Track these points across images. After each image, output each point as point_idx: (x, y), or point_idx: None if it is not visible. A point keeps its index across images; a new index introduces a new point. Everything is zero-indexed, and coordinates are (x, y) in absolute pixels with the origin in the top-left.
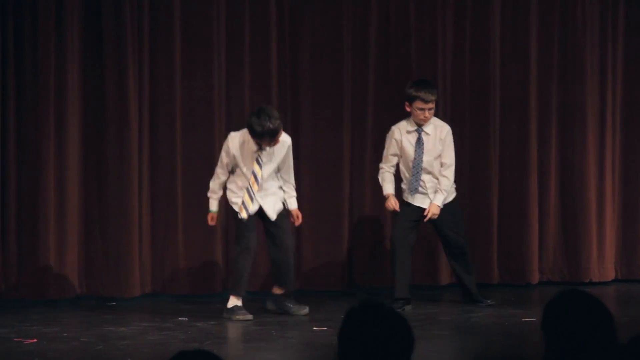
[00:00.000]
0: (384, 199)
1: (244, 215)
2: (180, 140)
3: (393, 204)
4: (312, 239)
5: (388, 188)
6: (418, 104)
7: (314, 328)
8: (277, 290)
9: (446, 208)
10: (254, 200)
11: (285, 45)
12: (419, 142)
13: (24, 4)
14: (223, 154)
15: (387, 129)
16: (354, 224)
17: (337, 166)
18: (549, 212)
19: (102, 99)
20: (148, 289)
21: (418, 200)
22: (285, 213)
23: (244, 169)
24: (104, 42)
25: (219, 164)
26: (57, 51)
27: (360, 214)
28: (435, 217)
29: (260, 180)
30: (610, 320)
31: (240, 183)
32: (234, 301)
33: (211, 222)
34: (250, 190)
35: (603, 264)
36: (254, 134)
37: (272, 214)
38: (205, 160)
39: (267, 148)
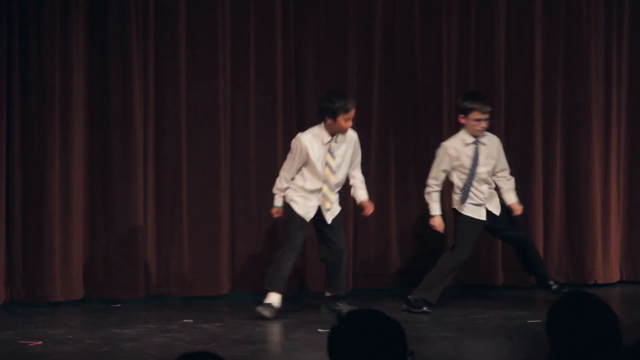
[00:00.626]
0: (386, 200)
1: (327, 205)
2: (185, 142)
3: (438, 225)
4: (317, 240)
5: (436, 209)
6: (475, 115)
7: (319, 329)
8: (328, 293)
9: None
10: (334, 192)
11: (290, 47)
12: (476, 153)
13: (29, 6)
14: (295, 152)
15: (391, 129)
16: (357, 225)
17: None
18: (554, 213)
19: (107, 101)
20: (153, 291)
21: (475, 212)
22: (340, 217)
23: (317, 165)
24: (109, 44)
25: (288, 164)
26: (62, 53)
27: (363, 216)
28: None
29: (335, 171)
30: (615, 322)
31: (307, 182)
32: (271, 298)
33: (276, 215)
34: (329, 182)
35: (608, 265)
36: (330, 109)
37: (330, 217)
38: (210, 162)
39: (338, 139)
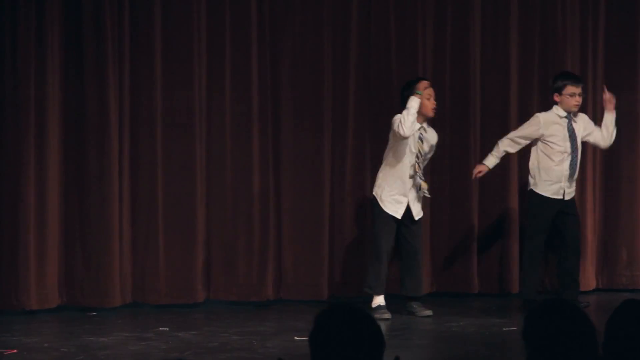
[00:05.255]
0: (363, 207)
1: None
2: (160, 150)
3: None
4: (293, 248)
5: (491, 160)
6: (569, 90)
7: (295, 338)
8: (407, 293)
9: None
10: (419, 172)
11: (265, 55)
12: (571, 128)
13: (4, 14)
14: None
15: (367, 136)
16: (334, 233)
17: (317, 175)
18: None
19: (83, 109)
20: (129, 299)
21: (549, 191)
22: (422, 218)
23: (408, 149)
24: (85, 52)
25: (392, 143)
26: (37, 61)
27: (340, 223)
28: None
29: (424, 155)
30: (591, 330)
31: (396, 176)
32: (377, 300)
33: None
34: (417, 165)
35: (584, 273)
36: (410, 85)
37: (417, 215)
38: (186, 170)
39: (425, 131)
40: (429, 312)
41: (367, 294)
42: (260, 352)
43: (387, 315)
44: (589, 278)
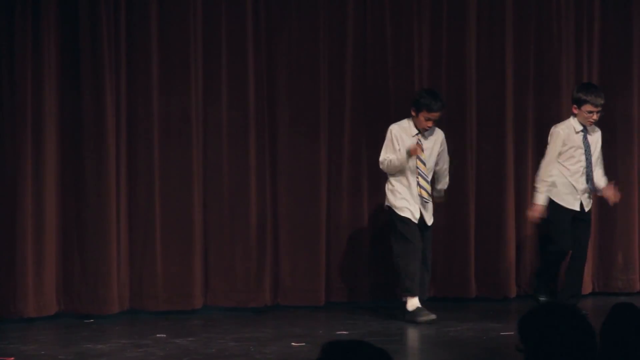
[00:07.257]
0: (360, 214)
1: (424, 194)
2: (157, 156)
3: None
4: (290, 254)
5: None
6: (588, 108)
7: (293, 344)
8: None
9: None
10: (429, 182)
11: (262, 62)
12: (586, 141)
13: (0, 20)
14: (389, 141)
15: (363, 142)
16: (331, 239)
17: (314, 181)
18: (526, 226)
19: (80, 116)
20: (126, 306)
21: (567, 202)
22: (433, 224)
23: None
24: (81, 59)
25: (387, 150)
26: (34, 68)
27: (337, 229)
28: None
29: (426, 162)
30: (590, 332)
31: (403, 185)
32: (413, 303)
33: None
34: (423, 174)
35: None
36: (421, 103)
37: (429, 221)
38: (183, 176)
39: (425, 136)
40: (429, 318)
41: (403, 299)
42: (258, 358)
43: (433, 316)
44: (585, 281)
